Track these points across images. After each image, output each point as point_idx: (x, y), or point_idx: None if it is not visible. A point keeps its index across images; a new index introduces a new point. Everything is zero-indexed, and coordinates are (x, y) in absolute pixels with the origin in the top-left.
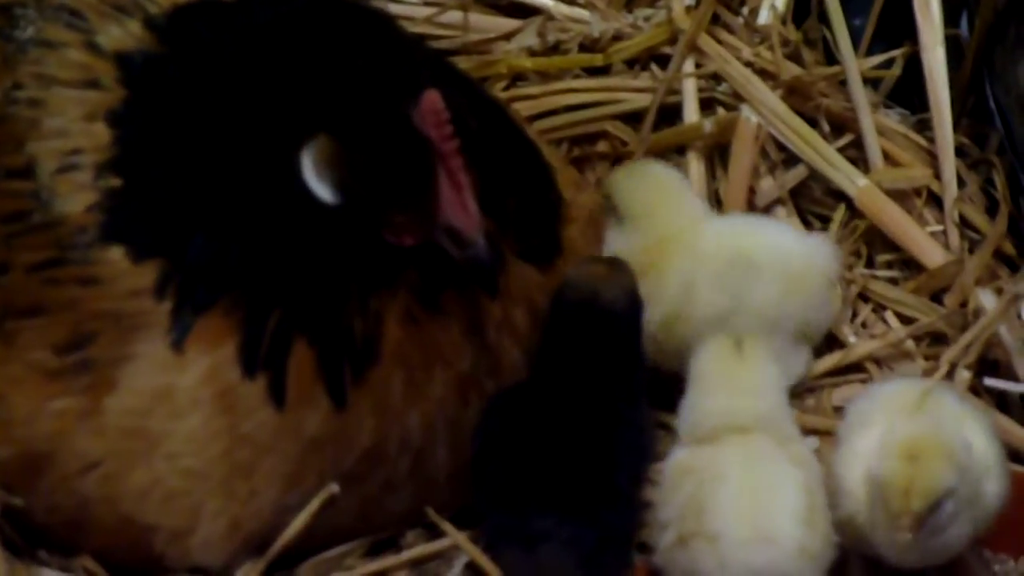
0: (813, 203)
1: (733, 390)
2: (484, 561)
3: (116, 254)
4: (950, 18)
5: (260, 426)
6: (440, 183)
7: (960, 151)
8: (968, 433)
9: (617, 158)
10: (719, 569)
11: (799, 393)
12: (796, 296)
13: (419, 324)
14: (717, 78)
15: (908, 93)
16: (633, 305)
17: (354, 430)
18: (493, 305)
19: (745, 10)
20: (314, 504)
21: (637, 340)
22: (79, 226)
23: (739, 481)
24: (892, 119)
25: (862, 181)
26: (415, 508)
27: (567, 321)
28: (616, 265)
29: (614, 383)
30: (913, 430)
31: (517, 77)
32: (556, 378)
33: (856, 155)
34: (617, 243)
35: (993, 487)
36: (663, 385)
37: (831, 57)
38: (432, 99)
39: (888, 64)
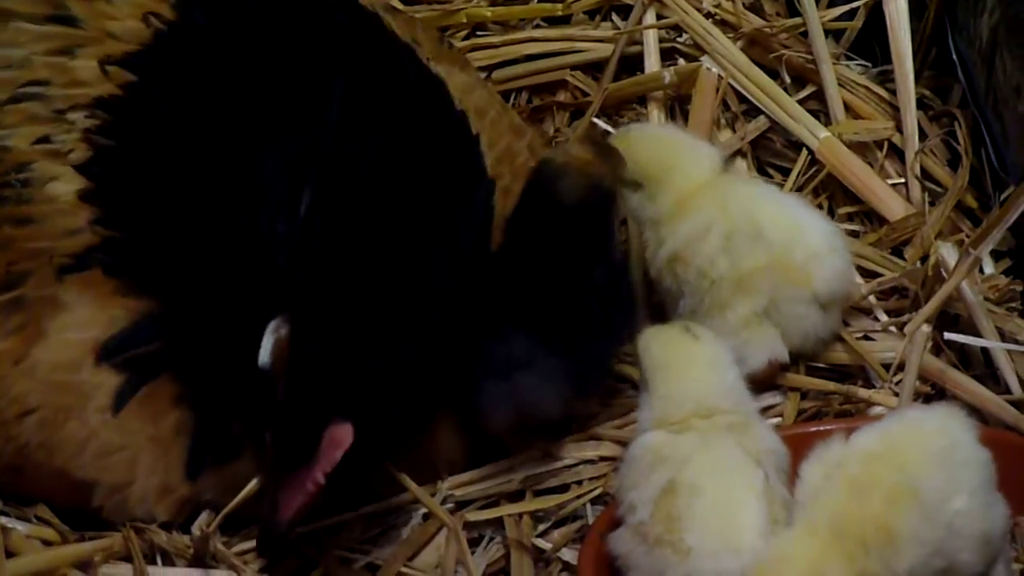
0: (773, 155)
1: (699, 368)
2: (441, 512)
3: (59, 189)
4: None
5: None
6: (295, 475)
7: (922, 103)
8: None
9: (577, 108)
10: None
11: None
12: (777, 276)
13: None
14: (678, 29)
15: (870, 45)
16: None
17: None
18: None
19: None
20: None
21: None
22: (18, 163)
23: (711, 495)
24: (853, 71)
25: (823, 133)
26: None
27: (529, 192)
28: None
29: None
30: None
31: (477, 27)
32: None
33: (817, 107)
34: (643, 209)
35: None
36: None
37: (792, 8)
38: (343, 437)
39: (850, 15)
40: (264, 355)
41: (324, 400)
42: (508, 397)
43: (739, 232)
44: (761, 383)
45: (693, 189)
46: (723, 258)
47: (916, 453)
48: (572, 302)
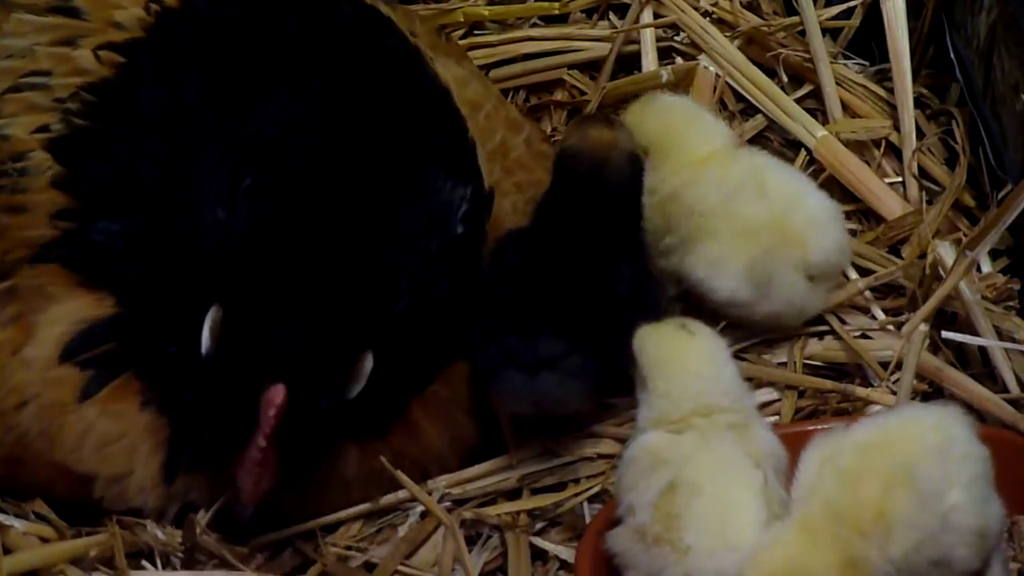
0: (771, 153)
1: (697, 364)
2: (438, 510)
3: (48, 178)
4: None
5: None
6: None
7: (919, 102)
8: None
9: (574, 107)
10: None
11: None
12: (775, 236)
13: None
14: (675, 27)
15: (867, 43)
16: (633, 169)
17: None
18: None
19: None
20: None
21: (637, 202)
22: (16, 152)
23: (711, 494)
24: (851, 69)
25: (820, 132)
26: None
27: (570, 184)
28: (616, 127)
29: (617, 236)
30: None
31: (474, 25)
32: (563, 228)
33: (815, 106)
34: (649, 176)
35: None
36: None
37: (790, 7)
38: (275, 395)
39: (847, 14)
40: (204, 345)
41: (251, 364)
42: (532, 390)
43: (743, 188)
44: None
45: (697, 161)
46: (715, 194)
47: (912, 445)
48: (604, 295)
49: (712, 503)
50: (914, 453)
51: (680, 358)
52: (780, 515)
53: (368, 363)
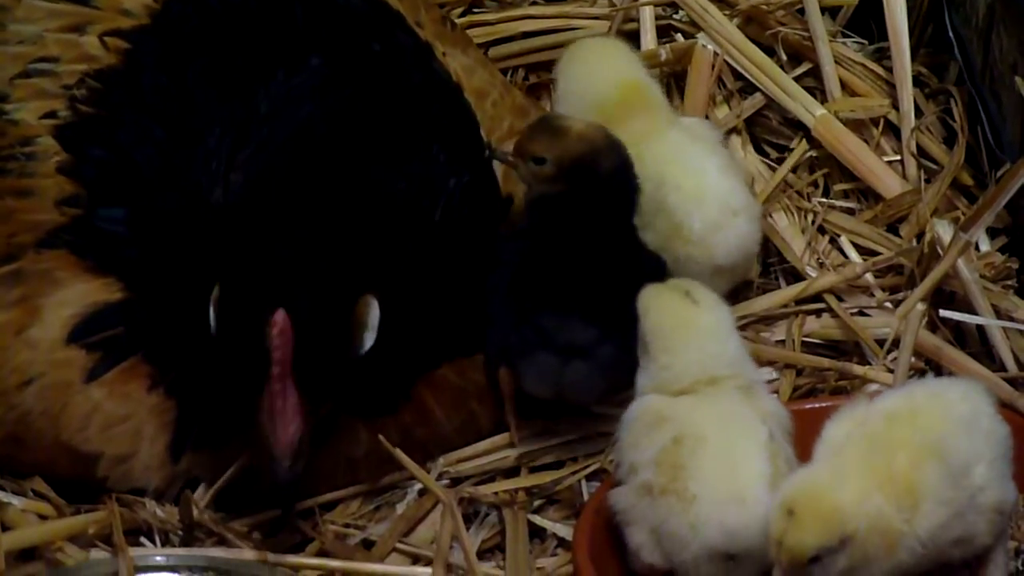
0: (770, 132)
1: (700, 338)
2: (437, 488)
3: (54, 164)
4: None
5: None
6: (268, 391)
7: (918, 81)
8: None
9: None
10: (690, 529)
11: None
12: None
13: None
14: (674, 6)
15: (866, 22)
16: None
17: None
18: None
19: None
20: None
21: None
22: (24, 136)
23: (716, 445)
24: (850, 48)
25: (819, 110)
26: None
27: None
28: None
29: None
30: (801, 483)
31: (474, 4)
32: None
33: (813, 84)
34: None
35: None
36: None
37: None
38: (279, 318)
39: None
40: (212, 323)
41: (255, 302)
42: (560, 376)
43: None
44: None
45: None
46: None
47: (940, 418)
48: (631, 284)
49: (718, 452)
50: (941, 426)
51: (684, 331)
52: (786, 472)
53: (375, 312)
